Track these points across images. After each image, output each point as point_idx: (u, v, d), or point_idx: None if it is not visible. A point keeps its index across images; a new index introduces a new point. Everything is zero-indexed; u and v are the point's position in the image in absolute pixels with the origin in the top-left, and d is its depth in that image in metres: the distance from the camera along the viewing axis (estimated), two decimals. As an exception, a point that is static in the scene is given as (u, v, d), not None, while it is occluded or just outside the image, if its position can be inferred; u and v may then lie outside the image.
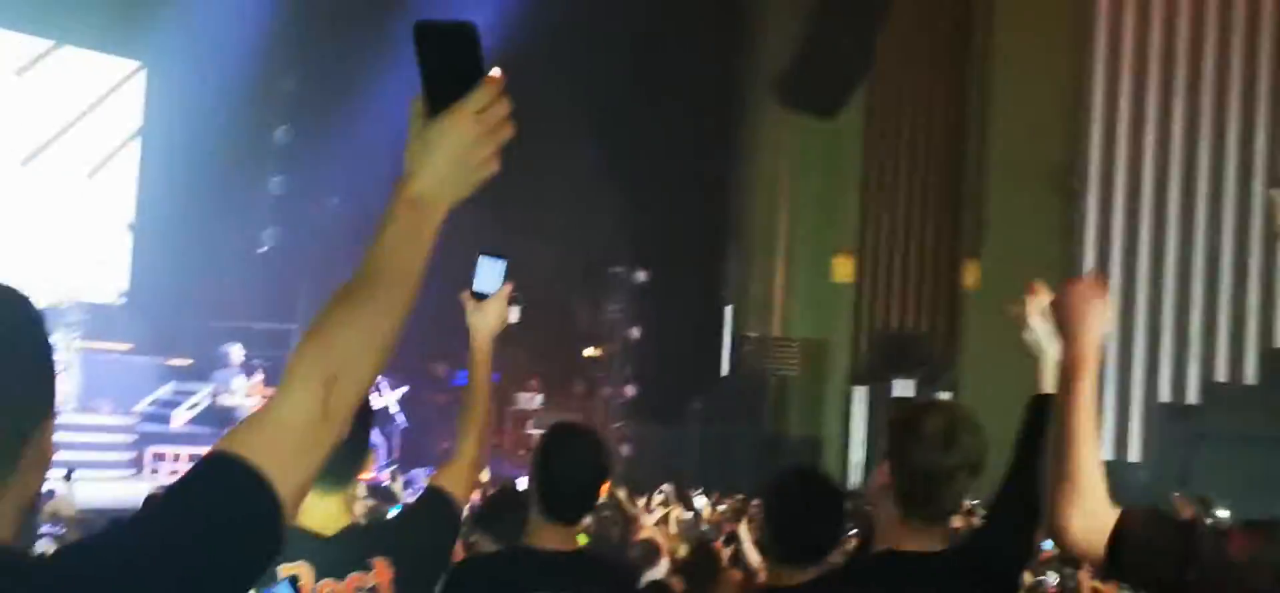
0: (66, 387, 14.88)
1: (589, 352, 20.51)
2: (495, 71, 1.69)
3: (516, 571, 3.57)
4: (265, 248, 18.82)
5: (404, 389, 15.87)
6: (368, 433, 3.22)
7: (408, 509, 3.79)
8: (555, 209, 18.11)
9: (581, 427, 4.05)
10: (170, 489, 1.52)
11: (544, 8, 16.94)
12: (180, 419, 16.89)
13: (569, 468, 3.56)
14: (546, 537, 3.55)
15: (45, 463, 1.52)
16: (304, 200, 18.67)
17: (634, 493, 11.43)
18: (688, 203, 18.28)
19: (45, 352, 1.52)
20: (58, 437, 1.58)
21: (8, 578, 1.39)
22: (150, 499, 1.55)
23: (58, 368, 1.57)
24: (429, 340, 18.52)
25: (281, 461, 1.52)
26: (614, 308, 19.19)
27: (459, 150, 1.68)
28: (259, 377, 15.72)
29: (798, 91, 18.90)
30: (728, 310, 19.66)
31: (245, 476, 1.50)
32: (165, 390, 17.40)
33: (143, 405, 17.10)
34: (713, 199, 18.80)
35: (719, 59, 18.60)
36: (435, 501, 3.26)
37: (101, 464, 15.29)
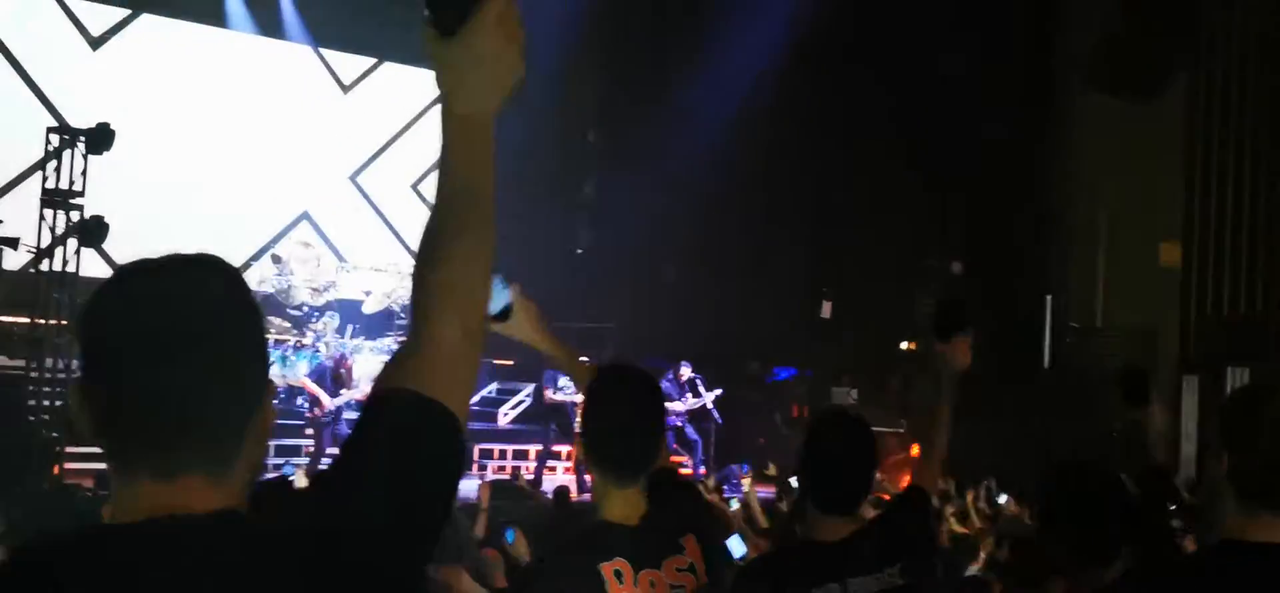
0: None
1: (904, 346, 20.14)
2: None
3: (798, 564, 3.46)
4: (580, 250, 19.25)
5: (718, 392, 15.93)
6: (663, 424, 3.23)
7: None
8: (867, 202, 17.89)
9: (849, 412, 3.94)
10: (358, 437, 1.61)
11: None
12: (506, 417, 17.43)
13: (837, 455, 3.44)
14: (825, 530, 3.43)
15: (267, 436, 1.60)
16: (616, 201, 19.01)
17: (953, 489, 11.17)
18: (1003, 191, 17.75)
19: (263, 333, 1.60)
20: None
21: (244, 541, 1.49)
22: (345, 447, 1.61)
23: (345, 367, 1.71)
24: (743, 340, 18.65)
25: (445, 386, 1.62)
26: (928, 301, 18.79)
27: (488, 61, 1.71)
28: (579, 374, 16.02)
29: (1115, 74, 18.11)
30: (1048, 301, 18.99)
31: (422, 405, 1.60)
32: (490, 390, 18.00)
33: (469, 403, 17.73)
34: (1029, 187, 18.18)
35: (1032, 42, 18.00)
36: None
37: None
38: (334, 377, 13.58)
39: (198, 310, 1.52)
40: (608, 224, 19.19)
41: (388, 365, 1.67)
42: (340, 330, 16.20)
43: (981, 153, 17.31)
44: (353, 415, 13.08)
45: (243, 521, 1.52)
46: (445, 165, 1.74)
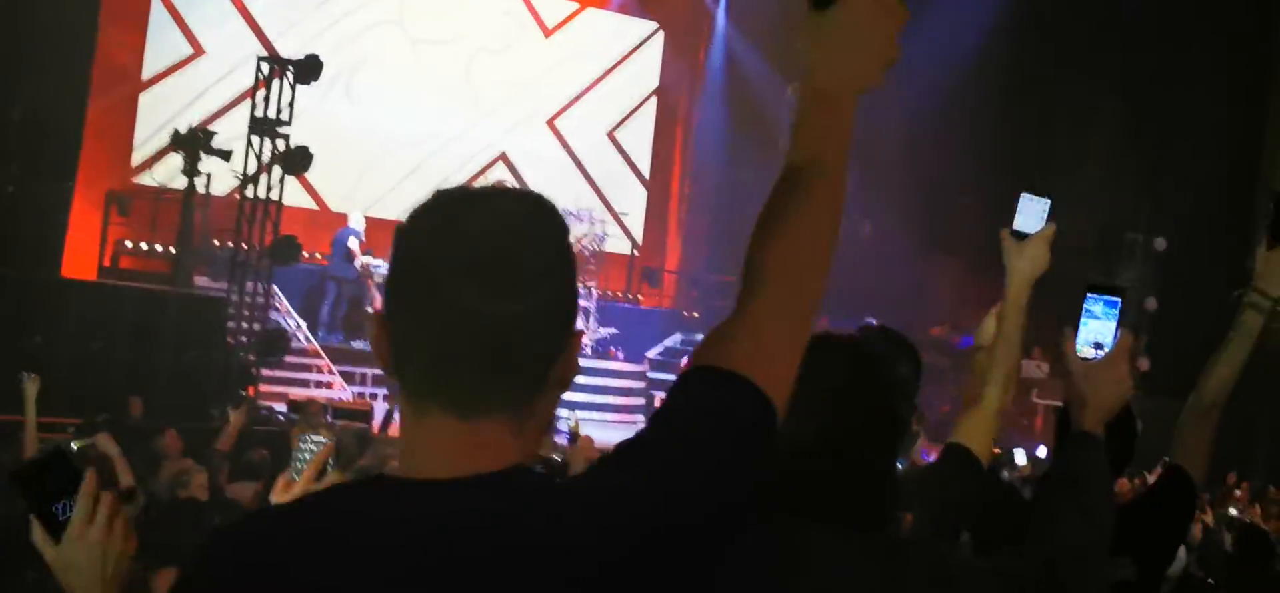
0: (585, 335, 15.62)
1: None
2: None
3: None
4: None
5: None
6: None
7: (929, 466, 3.60)
8: (1070, 171, 17.25)
9: None
10: (665, 410, 1.52)
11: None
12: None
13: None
14: None
15: (565, 385, 1.51)
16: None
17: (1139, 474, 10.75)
18: (1213, 167, 16.92)
19: (572, 273, 1.50)
20: (576, 384, 1.59)
21: (546, 501, 1.42)
22: (652, 418, 1.52)
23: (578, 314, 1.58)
24: (931, 305, 18.25)
25: (763, 366, 1.52)
26: (1129, 276, 18.11)
27: (857, 36, 1.65)
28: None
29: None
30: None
31: (733, 383, 1.51)
32: (673, 340, 17.97)
33: (653, 353, 17.77)
34: (1240, 163, 17.29)
35: (1252, 16, 17.08)
36: (954, 455, 2.96)
37: (615, 408, 15.97)
38: None
39: (523, 243, 1.44)
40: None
41: (706, 337, 1.59)
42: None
43: (1194, 126, 16.56)
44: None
45: (542, 479, 1.47)
46: (796, 138, 1.66)
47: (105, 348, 11.40)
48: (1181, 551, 7.14)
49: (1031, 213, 3.00)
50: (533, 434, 1.48)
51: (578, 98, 20.22)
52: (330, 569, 1.37)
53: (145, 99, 17.01)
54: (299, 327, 15.33)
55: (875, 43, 1.67)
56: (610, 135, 20.40)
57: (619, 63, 20.56)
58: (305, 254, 14.16)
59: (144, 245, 15.48)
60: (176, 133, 13.70)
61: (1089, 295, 2.64)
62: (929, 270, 17.89)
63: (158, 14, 17.22)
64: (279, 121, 13.97)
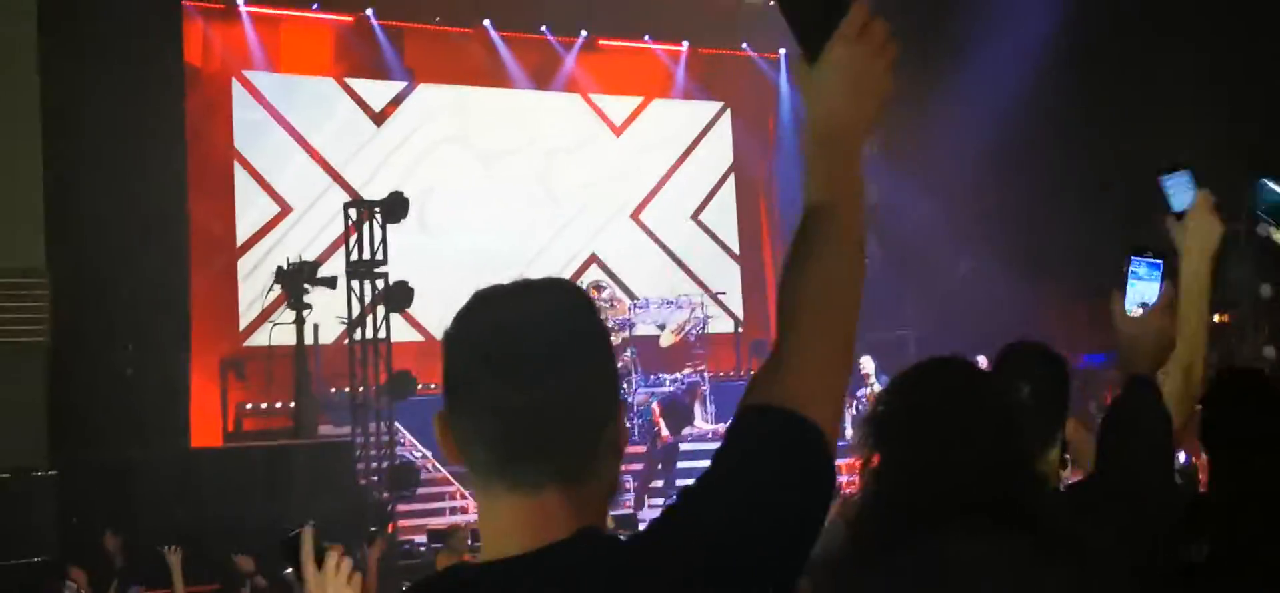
0: (699, 414, 15.71)
1: (1216, 318, 19.07)
2: None
3: None
4: (866, 259, 18.84)
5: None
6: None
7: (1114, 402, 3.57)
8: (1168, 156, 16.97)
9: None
10: (723, 455, 1.61)
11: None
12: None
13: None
14: None
15: (620, 454, 1.63)
16: (895, 208, 18.62)
17: None
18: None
19: (611, 351, 1.64)
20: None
21: (612, 557, 1.55)
22: (714, 461, 1.62)
23: (697, 397, 1.69)
24: (1041, 331, 17.94)
25: (812, 399, 1.61)
26: (1243, 268, 17.70)
27: (848, 81, 1.72)
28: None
29: None
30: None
31: (787, 420, 1.59)
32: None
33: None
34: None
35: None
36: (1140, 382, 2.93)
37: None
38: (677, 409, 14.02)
39: (555, 330, 1.58)
40: (887, 232, 18.76)
41: (754, 379, 1.68)
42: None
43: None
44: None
45: (607, 538, 1.58)
46: (808, 184, 1.75)
47: (240, 509, 11.55)
48: None
49: (1180, 189, 3.00)
50: (598, 499, 1.61)
51: (658, 188, 20.35)
52: None
53: (243, 265, 17.38)
54: (425, 457, 15.44)
55: (868, 84, 1.74)
56: (695, 218, 20.47)
57: (692, 147, 20.70)
58: (420, 386, 14.26)
59: (263, 405, 15.70)
60: (280, 269, 13.97)
61: (1133, 259, 2.81)
62: (1032, 297, 17.64)
63: (241, 179, 17.64)
64: (375, 262, 14.16)
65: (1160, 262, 2.80)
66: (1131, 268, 2.80)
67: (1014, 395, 2.96)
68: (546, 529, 1.54)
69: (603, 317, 1.66)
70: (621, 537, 1.62)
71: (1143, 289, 2.78)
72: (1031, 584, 2.30)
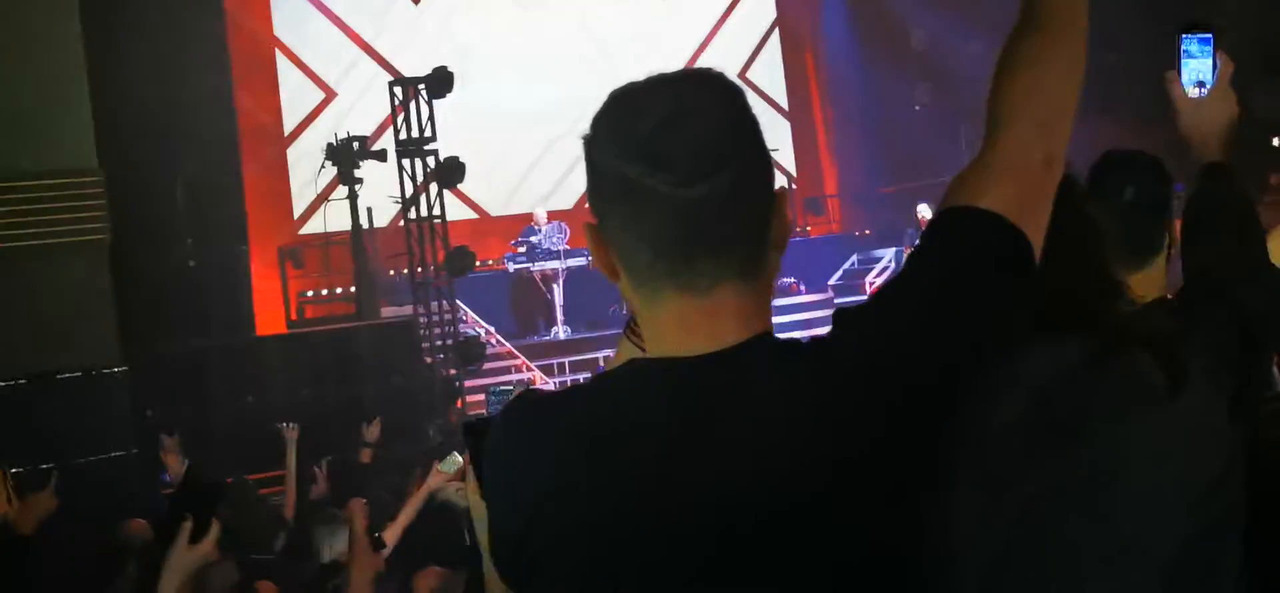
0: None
1: (1277, 142, 18.63)
2: None
3: None
4: (918, 107, 18.57)
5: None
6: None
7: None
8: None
9: None
10: (916, 256, 1.54)
11: None
12: (873, 285, 17.18)
13: None
14: None
15: (783, 245, 1.52)
16: (945, 50, 18.28)
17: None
18: None
19: (756, 137, 1.51)
20: None
21: (790, 360, 1.47)
22: (912, 258, 1.54)
23: None
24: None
25: (1015, 201, 1.52)
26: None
27: None
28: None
29: None
30: None
31: (988, 220, 1.50)
32: (851, 262, 17.76)
33: (834, 280, 17.58)
34: None
35: None
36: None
37: (813, 341, 15.78)
38: None
39: (716, 118, 1.46)
40: (940, 75, 18.42)
41: (952, 183, 1.58)
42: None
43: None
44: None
45: (788, 341, 1.50)
46: None
47: (315, 392, 11.58)
48: None
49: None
50: (766, 299, 1.51)
51: (703, 47, 20.05)
52: (604, 437, 1.47)
53: (292, 154, 17.32)
54: (489, 331, 15.43)
55: None
56: (742, 76, 20.17)
57: (734, 2, 20.36)
58: (478, 261, 14.22)
59: (324, 292, 15.71)
60: (330, 146, 13.93)
61: (1183, 37, 2.64)
62: (1088, 137, 17.32)
63: (284, 68, 17.53)
64: (425, 140, 14.03)
65: (1210, 35, 2.64)
66: (1183, 47, 2.64)
67: (1103, 203, 2.74)
68: (722, 332, 1.46)
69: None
70: (800, 339, 1.52)
71: (1196, 67, 2.64)
72: (1088, 390, 2.11)
